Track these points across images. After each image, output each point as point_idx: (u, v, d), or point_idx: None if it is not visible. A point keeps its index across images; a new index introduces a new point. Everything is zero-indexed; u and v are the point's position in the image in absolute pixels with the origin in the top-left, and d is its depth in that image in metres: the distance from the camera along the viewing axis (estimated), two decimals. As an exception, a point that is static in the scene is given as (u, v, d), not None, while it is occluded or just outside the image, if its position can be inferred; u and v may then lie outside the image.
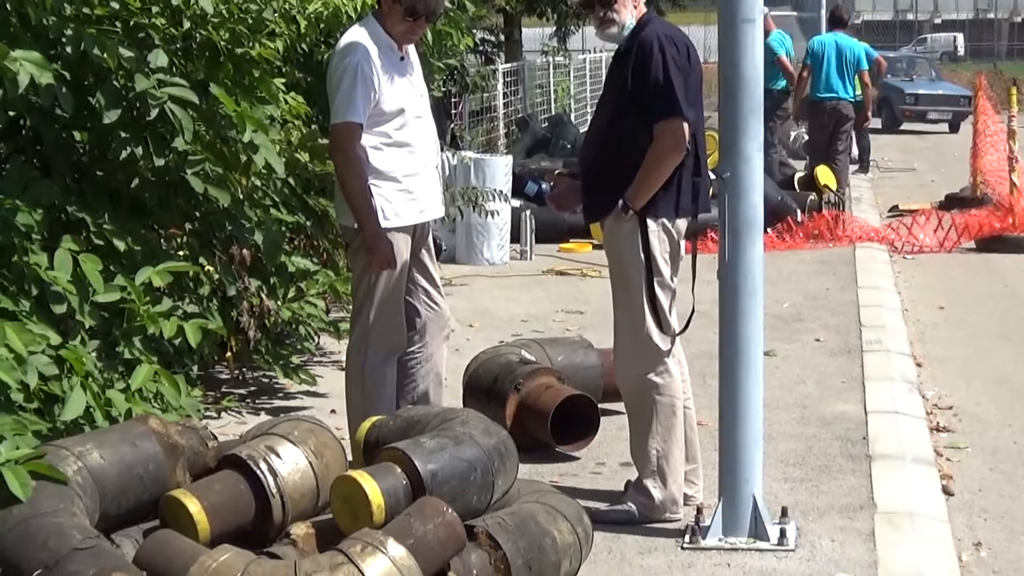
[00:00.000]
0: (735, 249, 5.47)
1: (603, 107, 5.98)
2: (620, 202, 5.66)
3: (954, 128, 30.47)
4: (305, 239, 8.55)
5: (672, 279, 5.77)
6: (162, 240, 6.99)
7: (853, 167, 18.93)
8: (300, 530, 4.77)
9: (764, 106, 5.55)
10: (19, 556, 4.30)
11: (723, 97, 5.47)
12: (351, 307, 6.51)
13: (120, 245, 6.14)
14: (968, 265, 13.28)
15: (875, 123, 26.78)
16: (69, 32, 5.84)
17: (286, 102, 7.53)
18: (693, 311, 5.89)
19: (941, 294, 11.68)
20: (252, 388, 8.16)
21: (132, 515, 4.88)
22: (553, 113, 22.09)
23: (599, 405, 6.92)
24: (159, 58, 6.08)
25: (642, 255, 5.68)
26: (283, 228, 7.62)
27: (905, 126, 31.14)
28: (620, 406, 6.41)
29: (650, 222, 5.68)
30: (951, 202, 16.41)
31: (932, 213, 14.95)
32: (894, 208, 16.82)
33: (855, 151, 19.54)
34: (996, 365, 9.16)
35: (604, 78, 6.45)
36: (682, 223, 5.77)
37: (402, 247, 6.17)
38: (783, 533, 5.50)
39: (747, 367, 5.52)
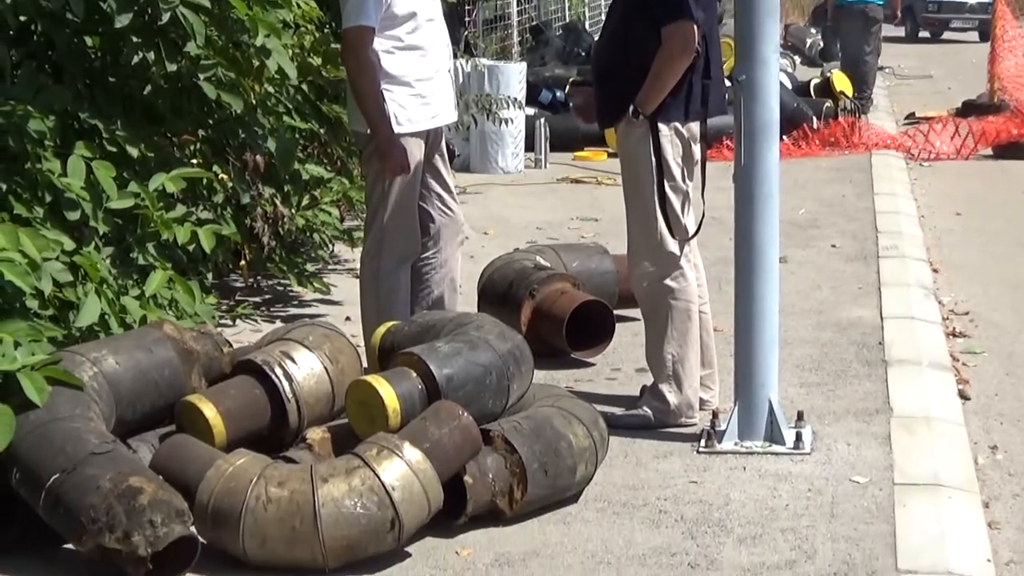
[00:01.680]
0: (751, 153, 5.42)
1: (614, 11, 5.90)
2: (631, 107, 5.61)
3: (985, 37, 29.96)
4: (319, 146, 8.51)
5: (685, 183, 5.73)
6: (175, 147, 6.96)
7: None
8: (316, 434, 4.78)
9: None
10: (36, 460, 4.32)
11: (740, -1, 5.41)
12: (365, 215, 6.49)
13: (133, 151, 6.12)
14: (985, 172, 13.20)
15: (898, 32, 26.55)
16: (79, -64, 5.79)
17: (298, 6, 7.47)
18: (704, 215, 5.85)
19: (958, 201, 11.62)
20: (267, 296, 8.16)
21: (148, 420, 4.90)
22: (568, 21, 21.91)
23: (614, 311, 6.90)
24: (170, -38, 6.02)
25: (653, 159, 5.64)
26: (296, 135, 7.58)
27: (935, 34, 30.84)
28: (635, 312, 6.39)
29: (661, 126, 5.63)
30: (968, 109, 16.27)
31: (949, 120, 14.84)
32: (910, 115, 16.70)
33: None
34: (1013, 271, 9.13)
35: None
36: (694, 126, 5.71)
37: (415, 152, 6.13)
38: (799, 437, 5.49)
39: (763, 271, 5.49)
